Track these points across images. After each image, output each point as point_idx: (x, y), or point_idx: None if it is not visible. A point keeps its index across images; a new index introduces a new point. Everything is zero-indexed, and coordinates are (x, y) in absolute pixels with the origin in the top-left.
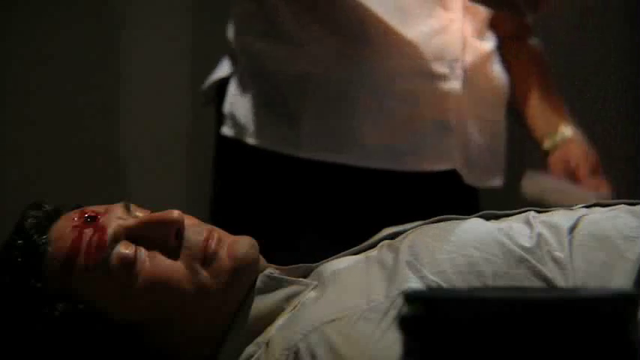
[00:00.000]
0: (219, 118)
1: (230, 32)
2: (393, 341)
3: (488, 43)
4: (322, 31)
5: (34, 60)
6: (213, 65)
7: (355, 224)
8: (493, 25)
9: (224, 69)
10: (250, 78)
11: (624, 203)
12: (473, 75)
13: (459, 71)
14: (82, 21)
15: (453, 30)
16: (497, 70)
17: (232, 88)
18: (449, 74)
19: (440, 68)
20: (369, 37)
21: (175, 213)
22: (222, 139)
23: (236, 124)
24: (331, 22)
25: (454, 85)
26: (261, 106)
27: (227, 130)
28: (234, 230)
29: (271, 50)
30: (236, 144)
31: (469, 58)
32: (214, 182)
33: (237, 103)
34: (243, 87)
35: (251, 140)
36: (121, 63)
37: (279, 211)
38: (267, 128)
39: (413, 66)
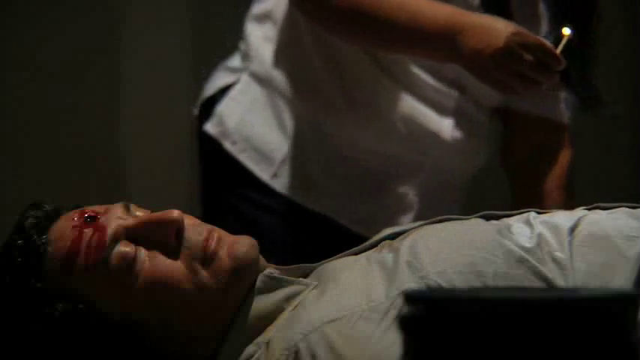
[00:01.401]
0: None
1: (250, 38)
2: (393, 341)
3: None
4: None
5: (34, 60)
6: (213, 65)
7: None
8: (519, 136)
9: (223, 79)
10: (255, 88)
11: (625, 206)
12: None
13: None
14: (82, 21)
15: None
16: (463, 161)
17: (234, 92)
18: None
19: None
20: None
21: (175, 213)
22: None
23: (221, 124)
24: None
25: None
26: (251, 123)
27: (210, 127)
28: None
29: (285, 82)
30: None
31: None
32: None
33: (231, 107)
34: (245, 95)
35: (228, 146)
36: (121, 63)
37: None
38: (248, 146)
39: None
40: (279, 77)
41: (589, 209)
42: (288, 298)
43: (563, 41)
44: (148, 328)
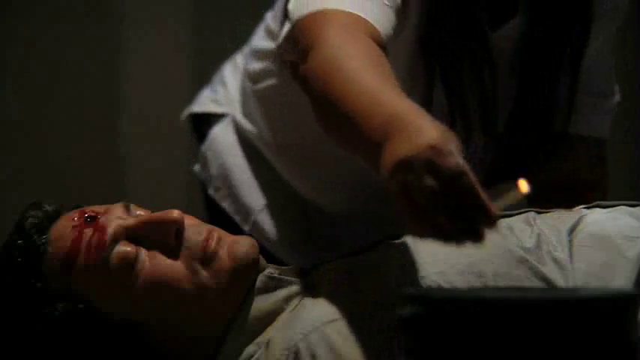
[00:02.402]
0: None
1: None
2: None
3: None
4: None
5: (34, 60)
6: (213, 65)
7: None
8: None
9: (210, 105)
10: (233, 131)
11: (624, 204)
12: None
13: None
14: (83, 20)
15: None
16: None
17: (216, 130)
18: None
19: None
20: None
21: (175, 213)
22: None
23: (205, 168)
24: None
25: None
26: (230, 169)
27: (197, 170)
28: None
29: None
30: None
31: None
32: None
33: (213, 150)
34: (225, 137)
35: (212, 192)
36: (121, 63)
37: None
38: (228, 192)
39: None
40: (258, 130)
41: (589, 208)
42: (288, 299)
43: (514, 196)
44: (148, 328)
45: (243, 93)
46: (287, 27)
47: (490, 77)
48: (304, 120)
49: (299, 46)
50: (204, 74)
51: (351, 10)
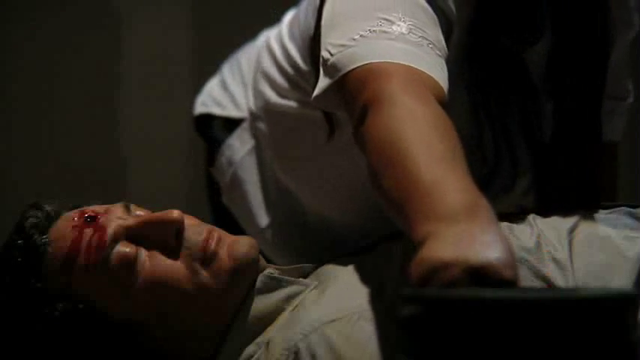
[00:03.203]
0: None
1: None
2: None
3: None
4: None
5: (34, 59)
6: (213, 65)
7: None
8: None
9: (227, 107)
10: (250, 142)
11: (625, 206)
12: None
13: None
14: (83, 20)
15: None
16: None
17: (232, 140)
18: None
19: None
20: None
21: (175, 213)
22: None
23: (221, 175)
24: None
25: None
26: (242, 180)
27: (215, 173)
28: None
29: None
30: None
31: None
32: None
33: (228, 157)
34: (242, 147)
35: (225, 200)
36: (121, 63)
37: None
38: (240, 203)
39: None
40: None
41: (588, 209)
42: (288, 299)
43: None
44: (148, 328)
45: (256, 97)
46: (327, 80)
47: (533, 104)
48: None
49: (354, 103)
50: (204, 74)
51: (412, 65)
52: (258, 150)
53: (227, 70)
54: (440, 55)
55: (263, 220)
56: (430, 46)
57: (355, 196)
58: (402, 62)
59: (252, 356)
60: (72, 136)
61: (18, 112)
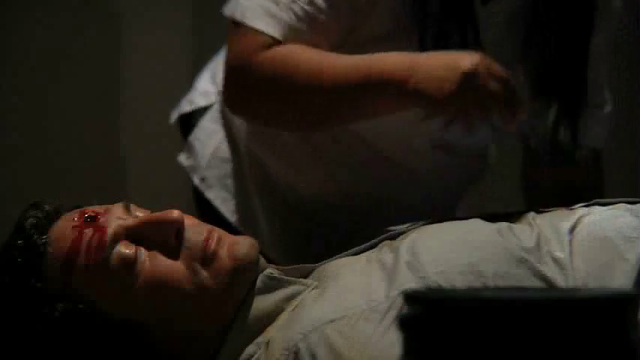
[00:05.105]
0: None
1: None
2: (393, 341)
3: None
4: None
5: (34, 59)
6: None
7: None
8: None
9: (197, 99)
10: (220, 121)
11: (624, 202)
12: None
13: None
14: (83, 20)
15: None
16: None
17: (203, 122)
18: None
19: None
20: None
21: (175, 213)
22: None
23: (191, 157)
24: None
25: None
26: (215, 160)
27: (183, 159)
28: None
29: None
30: None
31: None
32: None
33: (200, 139)
34: (211, 125)
35: (196, 182)
36: (121, 63)
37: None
38: (213, 183)
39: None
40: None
41: (587, 206)
42: (288, 299)
43: None
44: (148, 328)
45: None
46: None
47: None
48: None
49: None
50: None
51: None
52: (230, 128)
53: (214, 63)
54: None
55: (242, 193)
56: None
57: (327, 167)
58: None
59: (252, 356)
60: (72, 136)
61: (18, 112)
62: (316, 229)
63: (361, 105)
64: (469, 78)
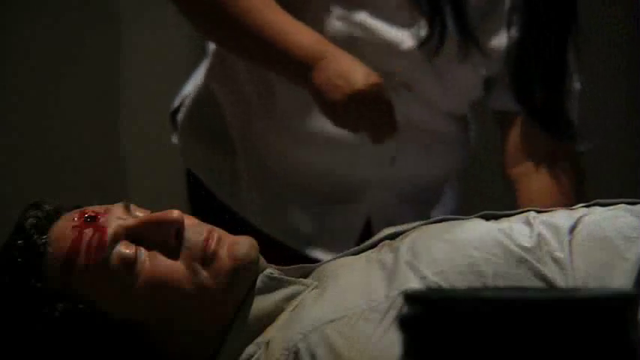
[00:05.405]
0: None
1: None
2: (393, 341)
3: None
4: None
5: (34, 59)
6: None
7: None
8: (520, 142)
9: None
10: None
11: (624, 203)
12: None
13: None
14: (83, 20)
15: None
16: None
17: (187, 101)
18: None
19: None
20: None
21: (175, 213)
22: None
23: (182, 137)
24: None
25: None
26: (200, 134)
27: (175, 139)
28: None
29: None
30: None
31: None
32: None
33: (186, 116)
34: (195, 105)
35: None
36: (121, 63)
37: None
38: (199, 158)
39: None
40: (216, 87)
41: (588, 206)
42: (288, 299)
43: None
44: (148, 328)
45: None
46: None
47: None
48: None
49: None
50: None
51: None
52: (215, 101)
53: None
54: None
55: (231, 166)
56: None
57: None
58: None
59: (252, 356)
60: (72, 136)
61: (18, 112)
62: (293, 193)
63: (264, 62)
64: (358, 96)
